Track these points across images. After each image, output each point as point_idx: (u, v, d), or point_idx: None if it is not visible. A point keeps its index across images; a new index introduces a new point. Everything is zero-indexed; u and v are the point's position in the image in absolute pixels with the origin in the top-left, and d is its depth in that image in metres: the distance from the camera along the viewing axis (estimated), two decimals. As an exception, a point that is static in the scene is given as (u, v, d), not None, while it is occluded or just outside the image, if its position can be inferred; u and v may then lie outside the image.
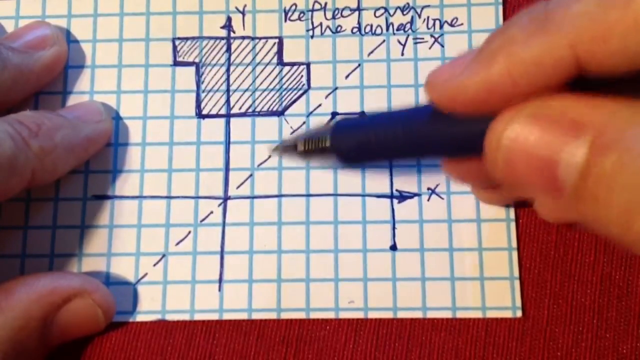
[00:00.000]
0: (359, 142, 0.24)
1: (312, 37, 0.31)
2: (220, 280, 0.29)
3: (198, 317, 0.29)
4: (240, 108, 0.31)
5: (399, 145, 0.24)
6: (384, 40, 0.31)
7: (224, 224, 0.30)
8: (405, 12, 0.31)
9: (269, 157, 0.30)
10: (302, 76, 0.31)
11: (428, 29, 0.31)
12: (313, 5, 0.32)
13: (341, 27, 0.31)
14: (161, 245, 0.30)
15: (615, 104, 0.17)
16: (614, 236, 0.17)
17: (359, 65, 0.31)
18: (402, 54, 0.31)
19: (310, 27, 0.31)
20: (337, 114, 0.30)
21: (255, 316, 0.29)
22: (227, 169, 0.30)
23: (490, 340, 0.28)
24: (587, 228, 0.19)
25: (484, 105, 0.19)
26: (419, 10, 0.31)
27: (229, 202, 0.30)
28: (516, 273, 0.29)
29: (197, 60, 0.31)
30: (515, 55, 0.18)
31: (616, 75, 0.18)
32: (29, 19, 0.31)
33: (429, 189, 0.30)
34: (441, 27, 0.31)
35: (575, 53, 0.17)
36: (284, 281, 0.29)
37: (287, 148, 0.28)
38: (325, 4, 0.32)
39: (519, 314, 0.28)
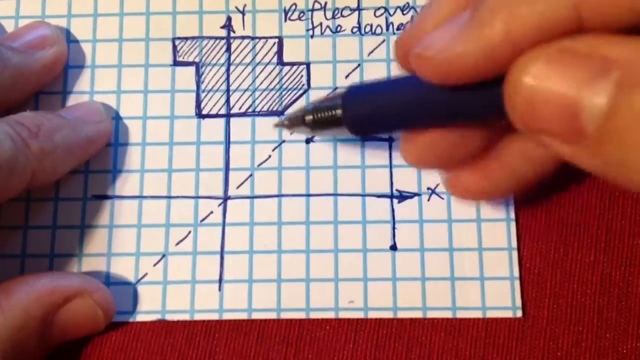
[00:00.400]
0: (372, 111, 0.22)
1: (312, 37, 0.31)
2: (220, 280, 0.29)
3: (198, 317, 0.29)
4: (240, 108, 0.31)
5: (415, 113, 0.22)
6: (384, 40, 0.31)
7: (224, 224, 0.30)
8: (405, 12, 0.31)
9: (269, 156, 0.30)
10: (302, 76, 0.31)
11: (428, 28, 0.31)
12: (313, 5, 0.32)
13: (341, 27, 0.31)
14: (161, 245, 0.30)
15: (633, 41, 0.16)
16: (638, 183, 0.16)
17: (359, 65, 0.31)
18: (402, 54, 0.31)
19: (310, 27, 0.31)
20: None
21: (255, 316, 0.29)
22: (227, 169, 0.30)
23: (490, 340, 0.28)
24: (606, 177, 0.17)
25: (482, 74, 0.18)
26: (419, 10, 0.31)
27: (229, 202, 0.30)
28: (516, 273, 0.29)
29: (197, 60, 0.31)
30: (517, 17, 0.17)
31: (613, 29, 0.17)
32: (29, 19, 0.31)
33: (429, 189, 0.30)
34: (441, 26, 0.31)
35: (579, 11, 0.17)
36: (284, 281, 0.29)
37: (293, 120, 0.26)
38: (325, 3, 0.32)
39: (519, 314, 0.28)
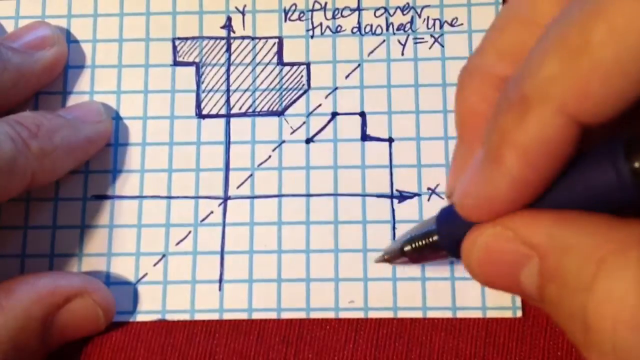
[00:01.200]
0: (467, 228, 0.21)
1: (312, 37, 0.31)
2: (220, 280, 0.29)
3: (198, 317, 0.29)
4: (240, 108, 0.31)
5: None
6: (384, 40, 0.31)
7: (224, 224, 0.30)
8: (405, 12, 0.31)
9: (269, 156, 0.30)
10: (302, 76, 0.31)
11: (428, 29, 0.31)
12: (313, 5, 0.32)
13: (341, 27, 0.31)
14: (161, 245, 0.30)
15: (556, 224, 0.18)
16: None
17: (359, 65, 0.31)
18: (402, 54, 0.31)
19: (310, 27, 0.31)
20: (337, 114, 0.30)
21: (255, 316, 0.29)
22: (227, 169, 0.30)
23: (490, 340, 0.28)
24: None
25: (524, 198, 0.19)
26: (419, 10, 0.31)
27: (229, 202, 0.30)
28: (516, 273, 0.29)
29: (197, 60, 0.31)
30: (517, 143, 0.18)
31: (617, 115, 0.17)
32: (29, 19, 0.31)
33: (429, 189, 0.30)
34: (441, 27, 0.31)
35: (568, 115, 0.17)
36: (284, 281, 0.29)
37: (393, 253, 0.27)
38: (325, 4, 0.32)
39: (519, 314, 0.28)
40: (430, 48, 0.31)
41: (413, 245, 0.25)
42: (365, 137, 0.30)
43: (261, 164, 0.30)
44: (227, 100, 0.31)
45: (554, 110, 0.17)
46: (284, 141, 0.30)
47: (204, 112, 0.31)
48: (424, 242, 0.25)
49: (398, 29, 0.31)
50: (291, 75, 0.31)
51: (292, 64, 0.31)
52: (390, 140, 0.30)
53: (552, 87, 0.17)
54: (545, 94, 0.17)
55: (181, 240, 0.30)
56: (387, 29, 0.31)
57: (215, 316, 0.29)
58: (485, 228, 0.19)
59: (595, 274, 0.16)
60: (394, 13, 0.31)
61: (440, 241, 0.24)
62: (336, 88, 0.31)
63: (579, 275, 0.16)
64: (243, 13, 0.32)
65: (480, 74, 0.21)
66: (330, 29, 0.31)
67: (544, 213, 0.18)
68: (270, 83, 0.31)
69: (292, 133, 0.30)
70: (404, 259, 0.26)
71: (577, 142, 0.17)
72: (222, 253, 0.29)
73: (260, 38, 0.32)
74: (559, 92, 0.17)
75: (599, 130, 0.18)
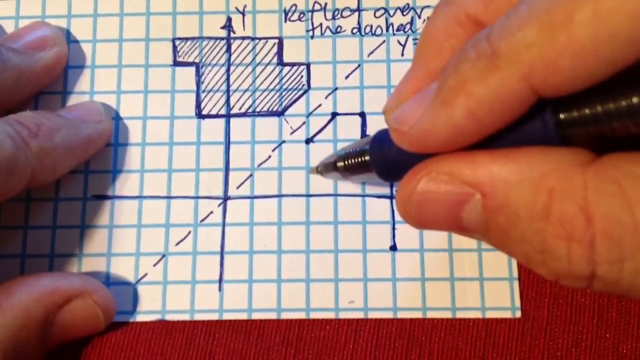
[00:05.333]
0: (398, 155, 0.22)
1: (312, 37, 0.31)
2: (220, 280, 0.29)
3: (198, 317, 0.29)
4: (240, 108, 0.31)
5: None
6: (384, 41, 0.31)
7: (224, 224, 0.30)
8: (405, 13, 0.31)
9: (269, 157, 0.30)
10: (302, 76, 0.31)
11: (428, 29, 0.31)
12: (313, 5, 0.32)
13: (341, 28, 0.31)
14: (161, 245, 0.30)
15: (490, 161, 0.19)
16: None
17: (359, 65, 0.31)
18: (402, 55, 0.31)
19: (310, 27, 0.32)
20: (337, 114, 0.30)
21: (255, 316, 0.29)
22: (227, 169, 0.30)
23: (490, 340, 0.28)
24: None
25: (458, 144, 0.19)
26: (418, 11, 0.31)
27: (229, 202, 0.30)
28: (515, 274, 0.29)
29: (197, 60, 0.31)
30: (473, 95, 0.18)
31: (574, 92, 0.18)
32: (29, 19, 0.31)
33: (428, 189, 0.30)
34: (441, 27, 0.31)
35: (530, 83, 0.17)
36: (284, 281, 0.29)
37: (326, 166, 0.27)
38: (325, 4, 0.32)
39: (518, 314, 0.28)
40: (430, 48, 0.31)
41: (346, 162, 0.26)
42: (365, 137, 0.30)
43: (261, 164, 0.30)
44: (227, 101, 0.31)
45: (519, 75, 0.17)
46: (284, 141, 0.30)
47: (204, 112, 0.31)
48: (356, 160, 0.26)
49: (398, 30, 0.31)
50: (291, 76, 0.31)
51: (292, 64, 0.31)
52: (390, 140, 0.30)
53: (525, 52, 0.17)
54: (516, 58, 0.17)
55: (181, 241, 0.30)
56: (387, 30, 0.31)
57: (215, 316, 0.29)
58: (421, 174, 0.20)
59: (547, 204, 0.18)
60: (394, 14, 0.31)
61: (371, 161, 0.25)
62: (336, 88, 0.31)
63: (531, 205, 0.18)
64: (243, 13, 0.32)
65: (455, 8, 0.22)
66: (330, 30, 0.31)
67: (480, 152, 0.19)
68: (270, 83, 0.31)
69: (292, 133, 0.30)
70: (336, 174, 0.27)
71: (526, 109, 0.18)
72: (222, 253, 0.29)
73: (260, 38, 0.32)
74: (530, 59, 0.17)
75: None
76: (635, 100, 0.17)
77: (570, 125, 0.18)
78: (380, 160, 0.24)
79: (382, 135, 0.24)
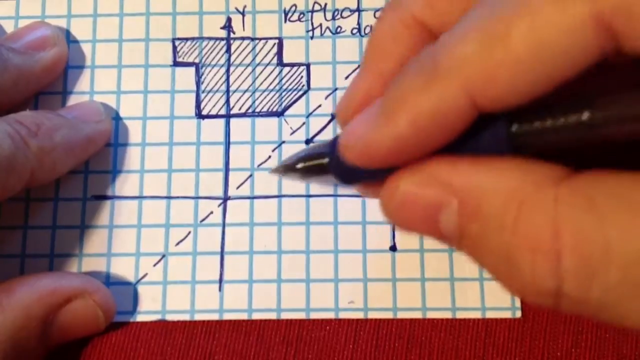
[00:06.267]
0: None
1: (312, 37, 0.31)
2: (220, 280, 0.29)
3: (198, 317, 0.29)
4: (240, 108, 0.31)
5: None
6: (383, 41, 0.31)
7: (224, 224, 0.30)
8: (405, 13, 0.31)
9: (269, 157, 0.30)
10: (302, 77, 0.31)
11: (428, 30, 0.31)
12: (313, 6, 0.32)
13: (341, 28, 0.31)
14: (161, 245, 0.30)
15: (472, 169, 0.19)
16: None
17: (359, 66, 0.31)
18: (402, 55, 0.31)
19: (310, 28, 0.32)
20: (337, 114, 0.30)
21: (255, 316, 0.29)
22: (227, 169, 0.30)
23: (490, 340, 0.28)
24: None
25: (403, 158, 0.20)
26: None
27: (229, 202, 0.30)
28: (515, 273, 0.29)
29: (197, 60, 0.31)
30: (414, 107, 0.18)
31: (516, 106, 0.18)
32: (29, 19, 0.31)
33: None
34: (441, 28, 0.31)
35: (470, 95, 0.18)
36: (284, 281, 0.29)
37: (286, 167, 0.27)
38: (325, 4, 0.32)
39: (518, 314, 0.28)
40: (430, 49, 0.31)
41: (305, 164, 0.26)
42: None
43: (261, 164, 0.30)
44: (227, 101, 0.31)
45: (458, 87, 0.18)
46: (283, 142, 0.30)
47: (204, 112, 0.31)
48: (315, 162, 0.25)
49: (398, 30, 0.31)
50: (291, 76, 0.31)
51: (292, 65, 0.31)
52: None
53: (464, 65, 0.17)
54: (455, 70, 0.18)
55: (181, 241, 0.30)
56: (387, 30, 0.31)
57: (215, 316, 0.29)
58: (405, 175, 0.20)
59: (517, 216, 0.17)
60: (394, 14, 0.31)
61: (329, 165, 0.24)
62: (336, 89, 0.31)
63: (501, 217, 0.18)
64: (243, 14, 0.32)
65: (402, 11, 0.22)
66: (330, 30, 0.31)
67: (461, 159, 0.19)
68: (270, 84, 0.31)
69: (292, 134, 0.30)
70: (296, 175, 0.26)
71: (469, 121, 0.18)
72: (222, 253, 0.29)
73: (260, 39, 0.32)
74: (468, 72, 0.17)
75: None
76: (585, 116, 0.18)
77: (521, 135, 0.18)
78: (338, 164, 0.24)
79: None
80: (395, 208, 0.20)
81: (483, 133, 0.19)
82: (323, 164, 0.25)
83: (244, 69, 0.31)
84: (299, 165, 0.26)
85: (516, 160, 0.18)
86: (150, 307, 0.29)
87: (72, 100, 0.31)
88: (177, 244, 0.30)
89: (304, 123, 0.31)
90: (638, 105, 0.18)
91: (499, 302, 0.28)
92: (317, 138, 0.30)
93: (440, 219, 0.19)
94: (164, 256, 0.29)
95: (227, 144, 0.31)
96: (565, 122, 0.18)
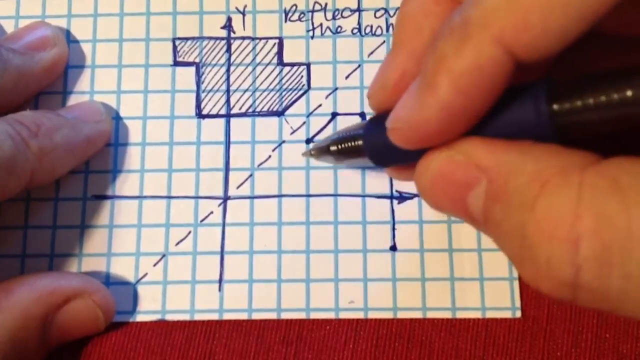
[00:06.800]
0: (391, 142, 0.22)
1: (312, 37, 0.31)
2: (220, 280, 0.29)
3: (198, 317, 0.29)
4: (240, 108, 0.31)
5: None
6: (384, 41, 0.31)
7: (224, 224, 0.30)
8: (405, 13, 0.31)
9: (269, 157, 0.30)
10: (302, 76, 0.31)
11: (428, 29, 0.31)
12: (313, 6, 0.32)
13: (341, 28, 0.31)
14: (161, 245, 0.30)
15: (504, 150, 0.18)
16: None
17: (359, 65, 0.31)
18: (402, 55, 0.31)
19: (311, 27, 0.32)
20: (337, 114, 0.30)
21: (255, 316, 0.29)
22: (227, 169, 0.30)
23: (490, 340, 0.28)
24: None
25: (455, 125, 0.19)
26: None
27: (229, 202, 0.30)
28: (515, 274, 0.29)
29: (197, 60, 0.31)
30: (453, 70, 0.18)
31: (551, 56, 0.18)
32: (29, 19, 0.31)
33: (428, 189, 0.30)
34: (441, 27, 0.31)
35: (505, 46, 0.17)
36: (284, 281, 0.29)
37: (320, 150, 0.27)
38: (326, 4, 0.32)
39: (518, 314, 0.28)
40: (430, 49, 0.31)
41: (339, 146, 0.26)
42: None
43: (261, 164, 0.30)
44: (227, 100, 0.31)
45: (492, 39, 0.17)
46: (284, 141, 0.30)
47: (204, 112, 0.31)
48: (349, 144, 0.25)
49: (398, 30, 0.31)
50: (291, 76, 0.31)
51: (292, 65, 0.31)
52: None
53: (493, 16, 0.17)
54: (486, 23, 0.17)
55: (181, 240, 0.30)
56: (387, 30, 0.31)
57: (215, 316, 0.29)
58: (440, 152, 0.20)
59: (538, 194, 0.17)
60: (394, 14, 0.31)
61: (364, 147, 0.25)
62: (336, 88, 0.31)
63: (522, 195, 0.17)
64: (243, 13, 0.32)
65: None
66: (330, 30, 0.31)
67: (494, 140, 0.19)
68: (271, 83, 0.31)
69: (292, 133, 0.30)
70: (329, 157, 0.27)
71: (509, 76, 0.18)
72: (222, 253, 0.29)
73: (260, 38, 0.32)
74: (499, 22, 0.17)
75: (533, 70, 0.19)
76: (629, 93, 0.17)
77: (563, 115, 0.18)
78: (373, 145, 0.24)
79: (377, 120, 0.24)
80: (427, 185, 0.20)
81: (521, 109, 0.19)
82: (358, 146, 0.25)
83: (244, 69, 0.31)
84: (333, 148, 0.26)
85: (548, 145, 0.18)
86: (150, 307, 0.29)
87: (72, 100, 0.31)
88: (177, 243, 0.30)
89: (304, 122, 0.31)
90: None
91: (499, 302, 0.28)
92: (317, 137, 0.30)
93: (469, 199, 0.19)
94: (164, 256, 0.29)
95: (227, 143, 0.31)
96: (607, 100, 0.17)
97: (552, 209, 0.16)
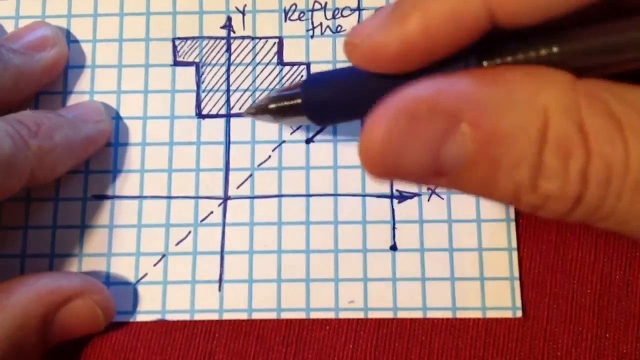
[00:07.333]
0: (329, 99, 0.23)
1: (312, 37, 0.31)
2: (220, 280, 0.29)
3: (198, 317, 0.29)
4: (240, 108, 0.31)
5: (367, 102, 0.21)
6: (384, 40, 0.31)
7: (224, 224, 0.30)
8: (405, 12, 0.31)
9: (269, 157, 0.30)
10: (302, 76, 0.31)
11: (428, 29, 0.31)
12: (313, 5, 0.32)
13: (341, 27, 0.31)
14: (161, 245, 0.30)
15: (478, 85, 0.18)
16: (502, 202, 0.19)
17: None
18: (402, 54, 0.31)
19: (311, 27, 0.31)
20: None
21: (255, 316, 0.29)
22: (227, 169, 0.30)
23: (490, 340, 0.28)
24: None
25: (407, 64, 0.19)
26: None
27: (229, 202, 0.30)
28: (516, 273, 0.29)
29: (197, 60, 0.31)
30: (429, 11, 0.18)
31: (528, 25, 0.18)
32: (29, 19, 0.31)
33: (429, 189, 0.30)
34: (441, 27, 0.31)
35: (488, 5, 0.17)
36: (284, 281, 0.29)
37: (259, 109, 0.28)
38: (326, 3, 0.32)
39: (518, 314, 0.28)
40: (430, 48, 0.31)
41: (277, 105, 0.26)
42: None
43: (261, 164, 0.30)
44: (227, 100, 0.31)
45: None
46: (284, 141, 0.30)
47: (204, 112, 0.31)
48: (287, 103, 0.26)
49: (398, 29, 0.31)
50: (291, 75, 0.31)
51: (292, 64, 0.31)
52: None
53: None
54: None
55: (181, 240, 0.30)
56: (387, 29, 0.31)
57: (215, 316, 0.29)
58: (392, 109, 0.18)
59: (545, 122, 0.17)
60: (394, 13, 0.31)
61: (302, 105, 0.25)
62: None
63: (527, 127, 0.17)
64: (243, 13, 0.32)
65: None
66: (330, 29, 0.31)
67: (460, 76, 0.18)
68: (271, 83, 0.31)
69: (292, 133, 0.30)
70: (269, 116, 0.27)
71: (478, 35, 0.18)
72: (222, 253, 0.29)
73: (260, 38, 0.32)
74: None
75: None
76: (555, 49, 0.18)
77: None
78: (311, 104, 0.24)
79: (315, 78, 0.24)
80: (389, 147, 0.18)
81: (456, 64, 0.19)
82: (296, 104, 0.25)
83: (244, 68, 0.31)
84: (272, 106, 0.27)
85: (519, 69, 0.18)
86: (150, 307, 0.29)
87: (72, 100, 0.31)
88: (177, 243, 0.30)
89: (304, 122, 0.31)
90: (601, 38, 0.18)
91: (499, 302, 0.28)
92: (317, 137, 0.30)
93: (443, 153, 0.18)
94: (164, 256, 0.29)
95: (227, 143, 0.31)
96: (536, 56, 0.18)
97: (562, 133, 0.17)
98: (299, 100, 0.25)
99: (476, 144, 0.18)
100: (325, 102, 0.22)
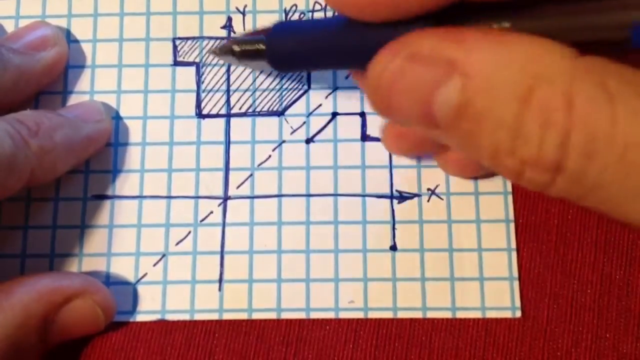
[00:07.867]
0: (292, 47, 0.23)
1: (312, 37, 0.31)
2: (220, 280, 0.29)
3: (198, 317, 0.29)
4: (240, 108, 0.31)
5: (332, 52, 0.23)
6: (384, 41, 0.31)
7: (224, 224, 0.30)
8: (405, 13, 0.31)
9: (269, 156, 0.30)
10: (302, 76, 0.31)
11: (428, 29, 0.31)
12: (313, 5, 0.32)
13: (341, 28, 0.31)
14: (161, 245, 0.30)
15: (482, 41, 0.18)
16: (486, 164, 0.19)
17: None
18: (402, 55, 0.31)
19: (311, 27, 0.31)
20: (338, 114, 0.30)
21: (255, 316, 0.29)
22: (227, 169, 0.30)
23: (490, 340, 0.28)
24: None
25: (391, 11, 0.19)
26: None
27: (229, 202, 0.30)
28: (515, 273, 0.29)
29: (197, 60, 0.31)
30: None
31: None
32: (29, 18, 0.31)
33: (428, 189, 0.30)
34: (441, 27, 0.31)
35: None
36: (284, 281, 0.29)
37: (222, 49, 0.28)
38: (326, 4, 0.32)
39: (518, 314, 0.28)
40: (430, 48, 0.31)
41: (241, 48, 0.27)
42: (365, 137, 0.30)
43: (261, 164, 0.30)
44: (227, 100, 0.31)
45: None
46: (284, 141, 0.30)
47: (204, 112, 0.31)
48: (250, 47, 0.26)
49: (398, 30, 0.31)
50: (291, 76, 0.31)
51: (292, 64, 0.31)
52: (391, 140, 0.30)
53: None
54: None
55: (181, 240, 0.30)
56: (387, 30, 0.31)
57: (215, 316, 0.29)
58: (398, 51, 0.19)
59: (531, 86, 0.17)
60: (394, 13, 0.31)
61: (265, 51, 0.25)
62: (336, 88, 0.31)
63: (514, 87, 0.18)
64: (243, 13, 0.32)
65: None
66: (330, 30, 0.31)
67: (467, 30, 0.19)
68: (271, 83, 0.31)
69: (292, 133, 0.30)
70: (232, 58, 0.27)
71: None
72: (222, 253, 0.29)
73: (260, 38, 0.32)
74: None
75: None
76: (506, 24, 0.19)
77: None
78: (275, 49, 0.25)
79: (281, 26, 0.25)
80: (385, 88, 0.20)
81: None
82: (260, 49, 0.26)
83: (244, 69, 0.31)
84: (236, 48, 0.27)
85: (526, 37, 0.18)
86: (150, 307, 0.29)
87: (73, 99, 0.31)
88: (177, 243, 0.30)
89: (304, 122, 0.31)
90: (551, 17, 0.19)
91: (499, 302, 0.28)
92: (317, 137, 0.30)
93: (436, 99, 0.19)
94: (164, 256, 0.29)
95: (227, 143, 0.31)
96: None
97: (546, 99, 0.17)
98: (263, 46, 0.26)
99: (465, 94, 0.18)
100: (288, 51, 0.23)
